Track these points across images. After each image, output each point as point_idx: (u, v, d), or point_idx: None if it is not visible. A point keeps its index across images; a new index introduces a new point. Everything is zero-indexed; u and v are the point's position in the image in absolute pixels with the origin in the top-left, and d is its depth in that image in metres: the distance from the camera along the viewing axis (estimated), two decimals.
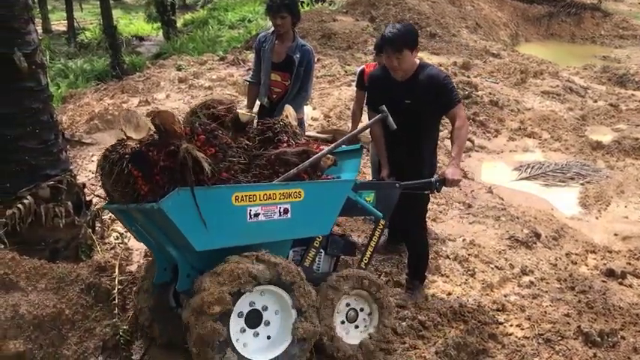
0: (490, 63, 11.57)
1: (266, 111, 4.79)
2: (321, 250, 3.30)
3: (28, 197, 3.81)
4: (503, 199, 6.25)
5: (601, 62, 13.37)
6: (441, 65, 10.34)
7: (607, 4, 19.18)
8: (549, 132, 8.46)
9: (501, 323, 3.81)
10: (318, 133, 6.27)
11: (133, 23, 21.33)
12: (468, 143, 7.79)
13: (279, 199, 2.86)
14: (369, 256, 3.42)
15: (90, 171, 5.76)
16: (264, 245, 2.90)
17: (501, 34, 15.82)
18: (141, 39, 19.26)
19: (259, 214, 2.82)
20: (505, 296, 4.19)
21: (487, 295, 4.21)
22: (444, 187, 3.63)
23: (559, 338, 3.67)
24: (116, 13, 18.14)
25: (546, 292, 4.29)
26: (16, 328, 3.10)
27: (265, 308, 2.86)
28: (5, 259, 3.40)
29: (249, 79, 5.05)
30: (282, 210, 2.88)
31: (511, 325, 3.78)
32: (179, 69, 10.64)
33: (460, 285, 4.34)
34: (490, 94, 9.44)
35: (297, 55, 4.55)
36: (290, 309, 2.86)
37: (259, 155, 3.04)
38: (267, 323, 2.87)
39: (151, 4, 19.34)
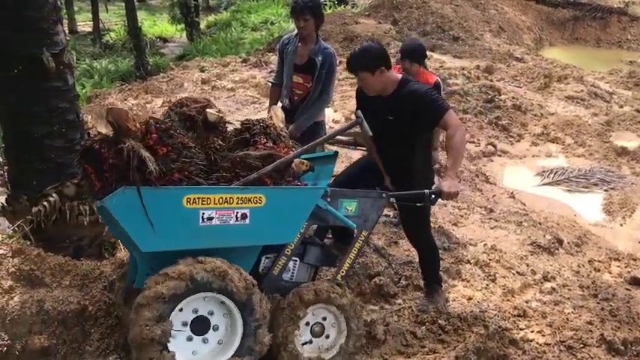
0: (513, 67, 11.48)
1: (287, 113, 4.81)
2: (296, 259, 3.17)
3: (54, 195, 3.88)
4: (525, 205, 6.20)
5: (627, 67, 13.17)
6: (463, 69, 10.31)
7: (634, 8, 18.87)
8: (573, 137, 8.37)
9: (522, 329, 3.77)
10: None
11: (157, 25, 21.52)
12: (490, 148, 7.75)
13: (237, 203, 2.73)
14: (346, 268, 3.24)
15: None
16: (226, 250, 2.79)
17: (525, 38, 15.69)
18: (165, 40, 19.43)
19: (213, 217, 2.70)
20: (526, 302, 4.15)
21: (508, 300, 4.17)
22: (440, 200, 3.45)
23: (581, 346, 3.63)
24: (141, 15, 18.33)
25: (568, 298, 4.24)
26: (41, 324, 3.16)
27: (211, 313, 2.75)
28: (31, 255, 3.46)
29: (271, 81, 5.08)
30: (239, 215, 2.75)
31: (532, 332, 3.74)
32: (202, 70, 10.73)
33: (481, 290, 4.30)
34: (513, 98, 9.37)
35: (320, 58, 4.57)
36: (235, 316, 2.77)
37: (224, 157, 2.95)
38: (216, 328, 2.77)
39: (175, 6, 19.49)
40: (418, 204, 3.42)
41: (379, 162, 3.86)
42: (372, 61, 3.49)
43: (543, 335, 3.71)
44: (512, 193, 6.50)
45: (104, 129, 2.67)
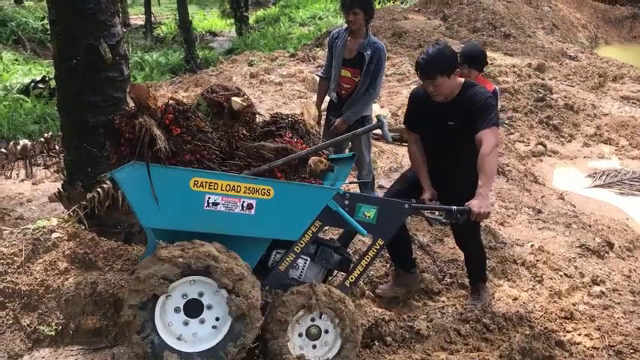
0: (566, 65, 11.20)
1: (334, 106, 4.84)
2: (307, 258, 3.09)
3: (107, 182, 4.00)
4: (575, 206, 6.05)
5: None
6: (514, 67, 10.12)
7: None
8: (627, 139, 8.11)
9: (569, 332, 3.69)
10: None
11: (207, 19, 21.85)
12: (540, 147, 7.59)
13: (244, 192, 2.71)
14: (356, 275, 3.10)
15: None
16: (231, 238, 2.77)
17: (579, 36, 15.27)
18: (214, 34, 19.72)
19: (218, 203, 2.69)
20: (574, 305, 4.06)
21: (555, 302, 4.09)
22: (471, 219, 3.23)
23: (631, 351, 3.53)
24: (191, 9, 18.63)
25: (618, 303, 4.13)
26: (94, 305, 3.27)
27: (202, 294, 2.74)
28: (85, 239, 3.59)
29: (320, 74, 5.11)
30: (245, 205, 2.73)
31: (579, 335, 3.66)
32: (251, 64, 10.85)
33: (527, 291, 4.24)
34: (565, 97, 9.15)
35: (368, 52, 4.57)
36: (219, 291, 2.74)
37: (241, 146, 2.94)
38: (210, 307, 2.75)
39: (224, 1, 19.77)
40: (444, 221, 3.30)
41: (424, 177, 3.66)
42: (450, 64, 3.38)
43: (591, 339, 3.62)
44: (561, 194, 6.35)
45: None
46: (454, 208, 3.20)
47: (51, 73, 9.65)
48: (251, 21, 19.32)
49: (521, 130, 8.05)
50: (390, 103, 8.49)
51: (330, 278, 3.39)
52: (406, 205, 3.10)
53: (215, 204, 2.69)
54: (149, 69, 13.01)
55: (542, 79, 9.85)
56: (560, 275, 4.51)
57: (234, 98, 3.03)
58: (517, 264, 4.59)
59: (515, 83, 9.30)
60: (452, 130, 3.50)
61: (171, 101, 2.78)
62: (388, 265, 4.27)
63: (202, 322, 2.74)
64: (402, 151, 6.52)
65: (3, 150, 5.44)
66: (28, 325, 3.35)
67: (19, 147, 5.28)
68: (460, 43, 10.02)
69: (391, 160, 6.41)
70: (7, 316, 3.37)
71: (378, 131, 3.89)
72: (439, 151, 3.64)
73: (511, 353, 3.20)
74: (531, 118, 8.43)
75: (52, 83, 8.94)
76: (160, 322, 2.71)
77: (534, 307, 3.96)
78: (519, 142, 7.75)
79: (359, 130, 3.38)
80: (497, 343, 3.42)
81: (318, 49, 11.43)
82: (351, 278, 3.10)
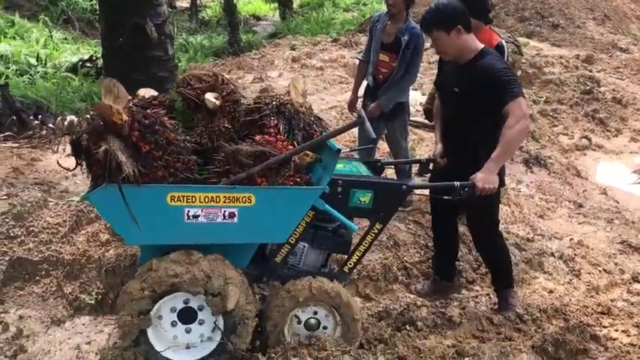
0: (617, 58, 10.85)
1: (370, 91, 4.81)
2: (304, 244, 3.01)
3: None
4: (618, 202, 5.90)
5: None
6: (561, 58, 9.86)
7: None
8: None
9: (606, 327, 3.63)
10: (424, 119, 6.19)
11: (251, 2, 21.92)
12: (584, 141, 7.41)
13: (224, 202, 2.62)
14: (355, 260, 3.02)
15: None
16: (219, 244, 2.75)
17: (632, 28, 14.73)
18: (258, 18, 19.78)
19: (199, 215, 2.62)
20: (612, 301, 3.99)
21: (592, 297, 4.03)
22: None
23: None
24: None
25: None
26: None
27: (201, 308, 2.76)
28: None
29: (360, 58, 5.08)
30: (226, 214, 2.64)
31: (616, 330, 3.59)
32: (293, 49, 10.87)
33: (563, 284, 4.18)
34: (614, 90, 8.88)
35: (406, 37, 4.50)
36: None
37: (220, 147, 2.77)
38: (202, 322, 2.78)
39: None
40: (447, 197, 3.11)
41: (438, 130, 3.56)
42: (448, 18, 3.16)
43: (628, 335, 3.55)
44: (604, 189, 6.20)
45: (111, 104, 2.56)
46: (457, 183, 3.04)
47: (98, 52, 9.86)
48: (295, 5, 19.31)
49: (566, 122, 7.87)
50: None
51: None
52: (403, 187, 2.97)
53: (196, 216, 2.62)
54: (193, 51, 13.14)
55: (590, 71, 9.58)
56: (599, 270, 4.43)
57: (207, 96, 2.82)
58: (555, 257, 4.52)
59: (561, 74, 9.07)
60: (457, 98, 3.31)
61: (136, 114, 2.59)
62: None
63: (201, 322, 2.78)
64: None
65: (51, 125, 5.61)
66: (70, 293, 3.48)
67: (66, 123, 5.44)
68: (506, 33, 9.82)
69: (430, 148, 6.36)
70: (51, 284, 3.51)
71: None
72: (450, 123, 3.50)
73: (544, 344, 3.16)
74: (576, 111, 8.23)
75: (99, 62, 9.13)
76: (161, 345, 2.75)
77: (570, 300, 3.91)
78: (563, 134, 7.58)
79: (340, 127, 3.07)
80: (530, 334, 3.39)
81: (361, 34, 11.36)
82: (350, 264, 3.03)
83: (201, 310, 2.77)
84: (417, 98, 7.52)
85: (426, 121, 6.13)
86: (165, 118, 2.67)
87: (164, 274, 2.64)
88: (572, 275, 4.31)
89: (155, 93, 2.99)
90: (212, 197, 2.60)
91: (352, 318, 2.91)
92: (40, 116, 5.99)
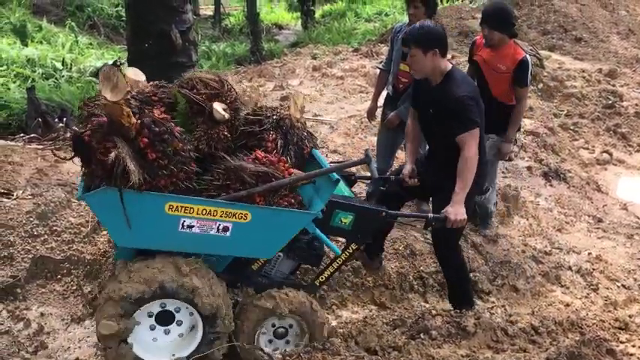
0: None
1: (390, 100, 4.83)
2: (280, 254, 3.08)
3: None
4: (639, 218, 5.84)
5: None
6: (583, 72, 9.80)
7: None
8: None
9: (623, 342, 3.60)
10: None
11: (274, 12, 22.15)
12: (605, 156, 7.35)
13: (220, 216, 2.65)
14: (327, 275, 3.12)
15: None
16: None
17: None
18: (280, 27, 19.95)
19: (193, 226, 2.64)
20: (630, 317, 3.95)
21: (609, 312, 3.99)
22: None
23: None
24: (259, 1, 18.93)
25: None
26: None
27: (178, 310, 2.79)
28: None
29: (380, 67, 5.12)
30: (221, 227, 2.67)
31: (634, 346, 3.55)
32: (314, 57, 10.94)
33: (580, 298, 4.15)
34: (637, 105, 8.79)
35: None
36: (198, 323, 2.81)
37: (220, 159, 2.79)
38: (180, 323, 2.81)
39: None
40: (424, 227, 3.24)
41: (410, 151, 3.66)
42: (429, 39, 3.28)
43: None
44: (625, 204, 6.13)
45: (109, 93, 2.54)
46: (430, 215, 3.18)
47: (122, 58, 10.02)
48: (317, 15, 19.44)
49: (587, 136, 7.81)
50: None
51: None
52: (383, 214, 3.07)
53: (190, 227, 2.64)
54: (215, 58, 13.30)
55: (613, 85, 9.49)
56: (618, 286, 4.39)
57: (216, 106, 2.84)
58: (572, 271, 4.49)
59: (583, 88, 9.01)
60: (433, 117, 3.42)
61: (146, 119, 2.57)
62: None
63: (180, 323, 2.81)
64: None
65: (75, 128, 5.72)
66: (89, 292, 3.54)
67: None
68: (529, 45, 9.78)
69: None
70: (72, 282, 3.58)
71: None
72: (429, 140, 3.61)
73: (558, 357, 3.14)
74: (598, 125, 8.16)
75: (123, 67, 9.27)
76: (141, 349, 2.77)
77: (587, 314, 3.88)
78: (584, 148, 7.52)
79: (345, 163, 3.11)
80: (545, 346, 3.37)
81: (382, 45, 11.39)
82: (321, 278, 3.14)
83: (178, 312, 2.79)
84: None
85: None
86: (175, 127, 2.65)
87: (147, 282, 2.64)
88: (590, 290, 4.28)
89: (144, 77, 2.98)
90: (210, 210, 2.63)
91: (318, 324, 2.99)
92: (64, 119, 6.12)
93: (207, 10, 21.71)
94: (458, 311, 3.59)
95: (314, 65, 10.14)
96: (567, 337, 3.46)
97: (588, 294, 4.22)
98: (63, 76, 9.50)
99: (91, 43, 12.64)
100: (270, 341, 3.04)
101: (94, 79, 9.28)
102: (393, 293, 3.90)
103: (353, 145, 6.06)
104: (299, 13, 19.13)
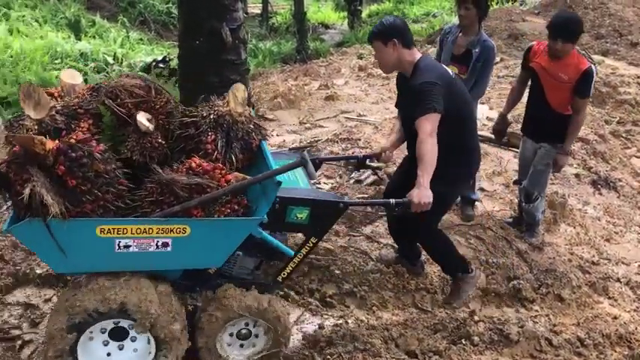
0: None
1: None
2: (239, 253, 3.03)
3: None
4: None
5: None
6: (638, 77, 9.51)
7: None
8: None
9: None
10: (491, 133, 6.10)
11: (321, 11, 22.21)
12: None
13: (157, 233, 2.54)
14: (288, 271, 3.03)
15: (269, 144, 6.18)
16: None
17: None
18: (326, 27, 20.00)
19: (130, 245, 2.54)
20: None
21: None
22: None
23: None
24: (306, 0, 19.02)
25: None
26: None
27: (132, 326, 2.67)
28: None
29: None
30: (160, 244, 2.57)
31: None
32: (360, 57, 10.93)
33: (629, 311, 4.03)
34: None
35: (477, 50, 4.46)
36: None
37: (152, 171, 2.63)
38: (134, 339, 2.70)
39: None
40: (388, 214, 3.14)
41: (391, 135, 3.70)
42: (387, 30, 3.28)
43: None
44: None
45: (32, 111, 2.38)
46: (392, 201, 3.04)
47: (171, 54, 10.23)
48: (364, 15, 19.40)
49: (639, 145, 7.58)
50: (499, 105, 8.24)
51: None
52: (340, 204, 2.96)
53: (127, 246, 2.55)
54: (262, 57, 13.43)
55: None
56: None
57: (139, 118, 2.69)
58: (621, 282, 4.37)
59: (637, 95, 8.74)
60: (405, 112, 3.43)
61: (62, 145, 2.41)
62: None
63: (134, 339, 2.72)
64: (507, 155, 6.36)
65: None
66: None
67: None
68: (580, 50, 9.54)
69: (495, 164, 6.26)
70: None
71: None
72: (408, 135, 3.50)
73: None
74: None
75: (172, 63, 9.47)
76: None
77: (636, 328, 3.76)
78: (636, 157, 7.30)
79: (280, 168, 2.79)
80: (591, 359, 3.29)
81: (429, 45, 11.30)
82: (284, 274, 3.05)
83: (132, 328, 2.69)
84: (484, 112, 7.42)
85: (491, 136, 6.04)
86: (96, 145, 2.50)
87: (90, 304, 2.57)
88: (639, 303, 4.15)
89: (81, 79, 2.87)
90: (144, 229, 2.53)
91: (281, 324, 2.91)
92: None
93: (255, 8, 21.93)
94: (456, 277, 3.69)
95: (360, 65, 10.14)
96: (615, 351, 3.37)
97: (638, 307, 4.10)
98: (114, 70, 9.77)
99: (141, 39, 12.94)
100: (233, 343, 2.95)
101: (143, 74, 9.51)
102: (434, 297, 3.87)
103: None
104: (345, 13, 19.14)
